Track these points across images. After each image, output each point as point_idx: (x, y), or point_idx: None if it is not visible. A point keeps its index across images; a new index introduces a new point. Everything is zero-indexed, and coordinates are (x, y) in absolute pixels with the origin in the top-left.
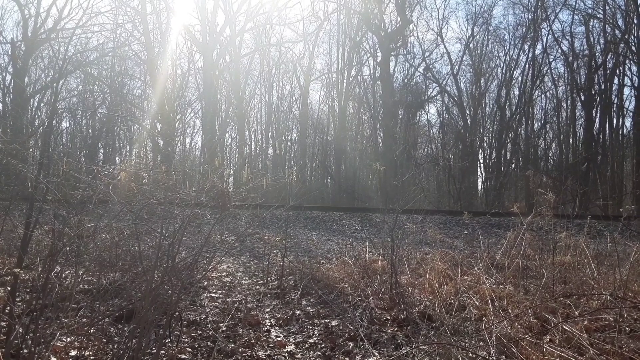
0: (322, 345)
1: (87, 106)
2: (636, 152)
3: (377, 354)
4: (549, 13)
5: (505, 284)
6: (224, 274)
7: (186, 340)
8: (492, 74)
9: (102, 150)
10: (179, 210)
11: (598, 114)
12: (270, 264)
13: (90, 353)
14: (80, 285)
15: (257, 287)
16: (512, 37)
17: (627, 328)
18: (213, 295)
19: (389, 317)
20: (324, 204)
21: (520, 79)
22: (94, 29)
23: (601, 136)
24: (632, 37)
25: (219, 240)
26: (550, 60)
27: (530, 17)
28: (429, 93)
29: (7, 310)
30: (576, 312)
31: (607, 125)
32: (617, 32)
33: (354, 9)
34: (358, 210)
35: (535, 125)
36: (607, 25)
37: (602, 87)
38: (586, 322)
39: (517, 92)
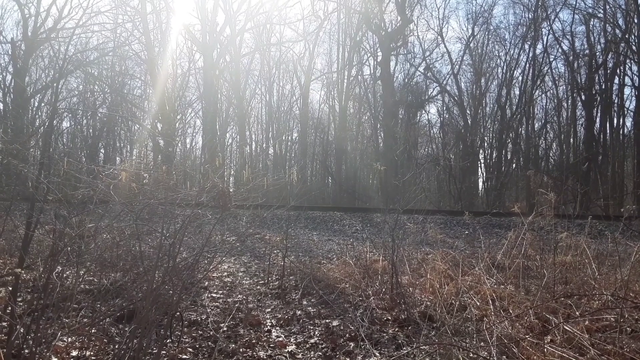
0: (323, 346)
1: (88, 106)
2: (637, 152)
3: (378, 354)
4: (549, 12)
5: (506, 284)
6: (225, 274)
7: (187, 340)
8: (492, 73)
9: (102, 150)
10: (179, 210)
11: (599, 114)
12: (271, 264)
13: (92, 353)
14: (82, 286)
15: (258, 287)
16: (512, 37)
17: (628, 328)
18: (214, 295)
19: (389, 317)
20: (324, 204)
21: (520, 78)
22: (94, 29)
23: (602, 136)
24: (633, 37)
25: (220, 240)
26: (551, 59)
27: (530, 16)
28: (429, 93)
29: (8, 310)
30: (577, 313)
31: (607, 125)
32: (617, 31)
33: (354, 8)
34: (359, 210)
35: (536, 125)
36: (607, 25)
37: (603, 87)
38: (587, 322)
39: (517, 92)
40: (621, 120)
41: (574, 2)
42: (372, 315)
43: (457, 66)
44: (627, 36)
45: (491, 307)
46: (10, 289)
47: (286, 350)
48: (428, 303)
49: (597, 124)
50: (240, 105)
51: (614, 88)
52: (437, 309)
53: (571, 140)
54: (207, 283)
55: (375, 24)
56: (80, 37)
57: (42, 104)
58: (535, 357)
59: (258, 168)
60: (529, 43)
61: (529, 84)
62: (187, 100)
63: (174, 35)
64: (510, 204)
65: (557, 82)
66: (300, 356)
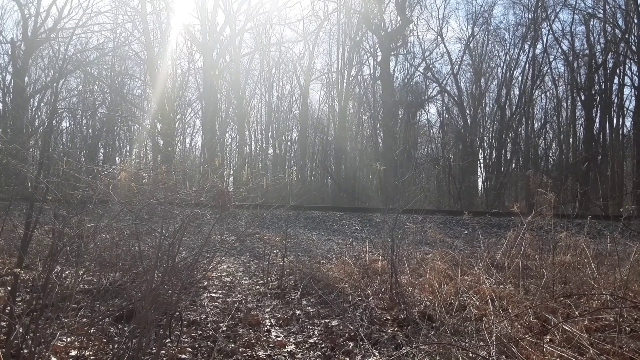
0: (323, 345)
1: (87, 106)
2: (636, 152)
3: (377, 353)
4: (549, 12)
5: (506, 283)
6: (224, 273)
7: (186, 340)
8: (492, 73)
9: (102, 150)
10: (179, 210)
11: (598, 114)
12: (270, 264)
13: (91, 353)
14: (81, 285)
15: (257, 287)
16: (512, 37)
17: (627, 328)
18: (213, 295)
19: (389, 317)
20: (324, 203)
21: (520, 78)
22: (94, 29)
23: (601, 136)
24: (633, 37)
25: (219, 240)
26: (551, 59)
27: (530, 16)
28: (429, 93)
29: (7, 310)
30: (576, 312)
31: (607, 125)
32: (617, 31)
33: (354, 8)
34: (358, 210)
35: (536, 125)
36: (607, 25)
37: (602, 87)
38: (586, 322)
39: (517, 92)
40: (621, 120)
41: (574, 2)
42: (372, 315)
43: (457, 66)
44: (626, 36)
45: (490, 306)
46: (10, 288)
47: (285, 350)
48: (427, 303)
49: (597, 124)
50: (239, 105)
51: (613, 88)
52: (436, 308)
53: (571, 140)
54: (206, 283)
55: (375, 24)
56: (80, 37)
57: (42, 104)
58: (534, 357)
59: (257, 168)
60: (529, 43)
61: (529, 84)
62: (187, 100)
63: (173, 36)
64: (510, 204)
65: (556, 82)
66: (299, 356)
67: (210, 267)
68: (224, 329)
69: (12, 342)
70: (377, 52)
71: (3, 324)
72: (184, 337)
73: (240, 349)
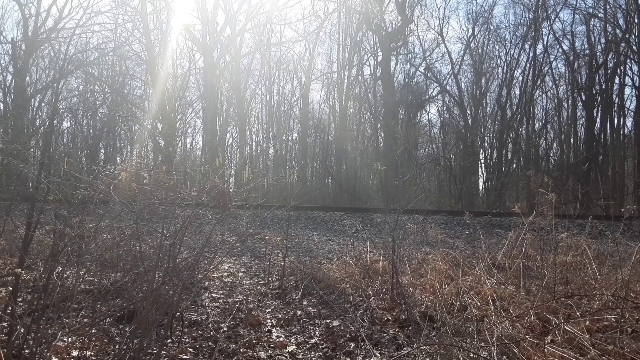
0: (324, 346)
1: (88, 106)
2: (637, 152)
3: (378, 354)
4: (549, 12)
5: (507, 284)
6: (225, 274)
7: (187, 340)
8: (492, 73)
9: (103, 150)
10: (180, 211)
11: (599, 114)
12: (271, 264)
13: (92, 353)
14: (82, 286)
15: (258, 287)
16: (512, 37)
17: (628, 328)
18: (214, 295)
19: (390, 318)
20: (325, 204)
21: (521, 78)
22: (94, 29)
23: (602, 136)
24: (633, 37)
25: (220, 241)
26: (551, 59)
27: (530, 16)
28: (429, 93)
29: (8, 311)
30: (578, 313)
31: (608, 125)
32: (617, 31)
33: (355, 8)
34: (359, 211)
35: (536, 125)
36: (607, 25)
37: (603, 87)
38: (588, 322)
39: (517, 92)
40: (621, 120)
41: (575, 2)
42: (373, 315)
43: (458, 66)
44: (627, 36)
45: (492, 307)
46: (11, 289)
47: (286, 350)
48: (428, 303)
49: (598, 124)
50: (240, 106)
51: (614, 88)
52: (437, 309)
53: (571, 140)
54: (207, 283)
55: (375, 24)
56: (81, 37)
57: (43, 104)
58: (535, 358)
59: (258, 168)
60: (530, 43)
61: (530, 84)
62: (188, 100)
63: (174, 35)
64: (511, 204)
65: (557, 82)
66: (300, 356)
67: (211, 267)
68: (225, 329)
69: (13, 342)
70: (378, 52)
71: (4, 324)
72: (185, 337)
73: (241, 350)
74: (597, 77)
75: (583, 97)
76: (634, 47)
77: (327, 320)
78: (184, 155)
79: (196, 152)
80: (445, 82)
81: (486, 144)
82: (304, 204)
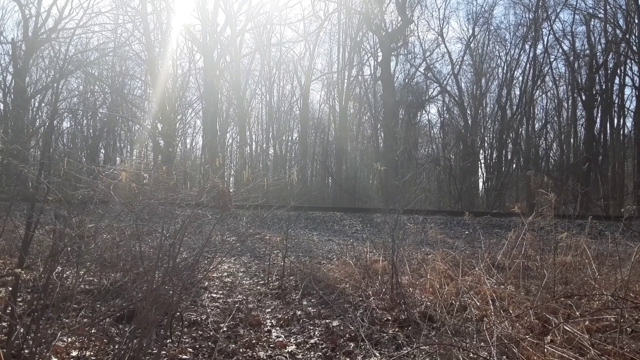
0: (323, 346)
1: (88, 106)
2: (637, 152)
3: (378, 354)
4: (549, 13)
5: (506, 284)
6: (225, 274)
7: (187, 340)
8: (492, 73)
9: (103, 151)
10: (179, 211)
11: (599, 114)
12: (271, 264)
13: (92, 353)
14: (81, 286)
15: (258, 287)
16: (512, 37)
17: (628, 328)
18: (214, 295)
19: (389, 318)
20: (324, 204)
21: (521, 78)
22: (94, 29)
23: (602, 136)
24: (633, 37)
25: (220, 241)
26: (551, 60)
27: (531, 16)
28: (429, 93)
29: (8, 311)
30: (577, 313)
31: (608, 125)
32: (618, 31)
33: (355, 8)
34: (359, 211)
35: (536, 125)
36: (608, 25)
37: (603, 87)
38: (587, 322)
39: (518, 92)
40: (621, 120)
41: (575, 3)
42: (372, 315)
43: (458, 66)
44: (627, 36)
45: (491, 307)
46: (10, 289)
47: (286, 350)
48: (428, 303)
49: (598, 124)
50: (240, 106)
51: (614, 88)
52: (437, 309)
53: (571, 140)
54: (207, 283)
55: (375, 24)
56: (81, 38)
57: (43, 104)
58: (535, 358)
59: (258, 168)
60: (530, 43)
61: (530, 84)
62: (188, 101)
63: (174, 36)
64: (511, 204)
65: (557, 82)
66: (300, 356)
67: (211, 267)
68: (225, 329)
69: (13, 342)
70: (378, 52)
71: (4, 324)
72: (184, 337)
73: (241, 350)
74: (597, 78)
75: (583, 98)
76: (634, 48)
77: (327, 320)
78: (184, 155)
79: (196, 152)
80: (445, 83)
81: (486, 144)
82: (303, 204)
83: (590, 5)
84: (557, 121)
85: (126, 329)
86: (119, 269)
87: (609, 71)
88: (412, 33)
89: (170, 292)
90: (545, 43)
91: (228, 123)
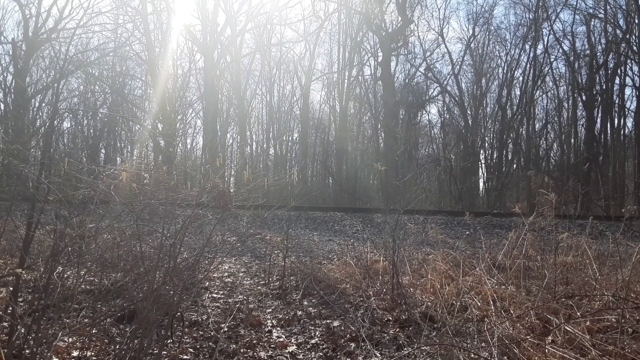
0: (324, 346)
1: (89, 106)
2: (638, 153)
3: (378, 354)
4: (550, 13)
5: (507, 284)
6: (226, 274)
7: (188, 340)
8: (493, 74)
9: (103, 151)
10: (180, 211)
11: (599, 114)
12: (271, 265)
13: (92, 353)
14: (82, 286)
15: (259, 287)
16: (513, 37)
17: (629, 329)
18: (215, 295)
19: (390, 318)
20: (325, 204)
21: (521, 79)
22: (94, 29)
23: (603, 136)
24: (634, 37)
25: (221, 241)
26: (552, 60)
27: (531, 16)
28: (430, 93)
29: (9, 311)
30: (578, 313)
31: (608, 125)
32: (618, 32)
33: (355, 8)
34: (359, 211)
35: (537, 126)
36: (608, 25)
37: (604, 87)
38: (588, 323)
39: (518, 92)
40: (622, 120)
41: (575, 3)
42: (373, 315)
43: (458, 66)
44: (627, 36)
45: (492, 307)
46: (11, 289)
47: (287, 350)
48: (429, 303)
49: (598, 125)
50: (240, 106)
51: (614, 88)
52: (438, 309)
53: (572, 140)
54: (207, 283)
55: (375, 24)
56: (81, 38)
57: (43, 105)
58: (536, 358)
59: (259, 168)
60: (530, 43)
61: (530, 85)
62: (188, 101)
63: (174, 36)
64: (511, 205)
65: (557, 82)
66: (301, 357)
67: (212, 267)
68: (226, 329)
69: (14, 342)
70: (378, 53)
71: (5, 324)
72: (185, 337)
73: (242, 350)
74: (597, 78)
75: (583, 98)
76: (635, 48)
77: (328, 321)
78: (185, 155)
79: (196, 152)
80: (445, 83)
81: (486, 145)
82: (304, 204)
83: (591, 6)
84: (558, 121)
85: (127, 329)
86: (119, 269)
87: (610, 71)
88: (412, 33)
89: (171, 292)
90: (545, 43)
91: (228, 123)
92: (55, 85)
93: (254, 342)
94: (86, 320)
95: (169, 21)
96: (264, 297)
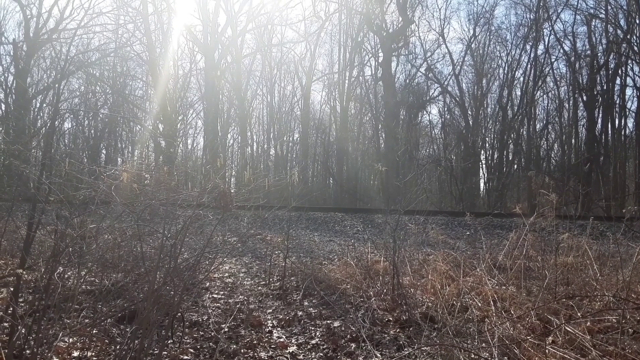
0: (324, 347)
1: (89, 107)
2: (639, 153)
3: (379, 355)
4: (550, 13)
5: (508, 285)
6: (226, 274)
7: (188, 341)
8: (493, 74)
9: (104, 151)
10: (181, 211)
11: (600, 115)
12: (272, 265)
13: (93, 354)
14: (83, 286)
15: (259, 288)
16: (514, 37)
17: (630, 329)
18: (215, 296)
19: (391, 318)
20: (326, 204)
21: (522, 79)
22: (95, 30)
23: (603, 137)
24: (635, 37)
25: (221, 241)
26: (552, 60)
27: (532, 17)
28: (430, 93)
29: (10, 311)
30: (579, 314)
31: (609, 125)
32: (619, 32)
33: (356, 9)
34: (360, 211)
35: (538, 126)
36: (609, 26)
37: (604, 88)
38: (589, 323)
39: (519, 93)
40: (623, 121)
41: (576, 3)
42: (374, 316)
43: (459, 67)
44: (628, 37)
45: (492, 308)
46: (12, 289)
47: (287, 351)
48: (429, 304)
49: (599, 125)
50: (241, 106)
51: (615, 89)
52: (438, 309)
53: (573, 141)
54: (208, 284)
55: (376, 24)
56: (82, 38)
57: (44, 105)
58: (536, 358)
59: (259, 169)
60: (531, 44)
61: (531, 85)
62: (189, 101)
63: (175, 36)
64: (512, 205)
65: (558, 82)
66: (301, 357)
67: (212, 268)
68: (226, 329)
69: (14, 342)
70: (379, 53)
71: (6, 324)
72: (186, 338)
73: (242, 350)
74: (598, 78)
75: (584, 98)
76: (635, 48)
77: (328, 321)
78: (185, 156)
79: (197, 152)
80: (446, 83)
81: (487, 145)
82: (305, 205)
83: (591, 6)
84: (559, 122)
85: (127, 329)
86: (120, 270)
87: (610, 72)
88: (413, 33)
89: (172, 292)
90: (546, 43)
91: (229, 123)
92: (56, 85)
93: (255, 342)
94: (87, 320)
95: (170, 22)
96: (265, 298)
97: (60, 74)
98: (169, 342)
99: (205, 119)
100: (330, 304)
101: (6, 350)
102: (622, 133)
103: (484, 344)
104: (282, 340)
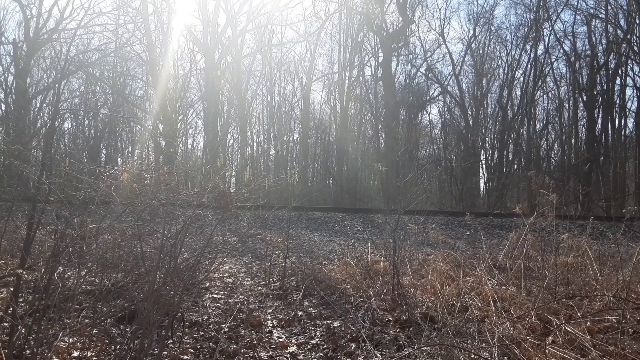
0: (324, 347)
1: (89, 107)
2: (638, 153)
3: (379, 355)
4: (550, 13)
5: (508, 285)
6: (226, 274)
7: (188, 341)
8: (494, 74)
9: (104, 151)
10: (181, 211)
11: (600, 115)
12: (272, 265)
13: (93, 354)
14: (83, 286)
15: (259, 288)
16: (514, 37)
17: (630, 329)
18: (215, 296)
19: (391, 318)
20: (326, 204)
21: (522, 79)
22: (95, 30)
23: (603, 137)
24: (635, 37)
25: (221, 241)
26: (552, 60)
27: (532, 17)
28: (430, 93)
29: (10, 311)
30: (579, 314)
31: (609, 125)
32: (619, 32)
33: (356, 9)
34: (360, 211)
35: (538, 126)
36: (609, 26)
37: (604, 88)
38: (589, 323)
39: (519, 93)
40: (623, 121)
41: (576, 3)
42: (374, 316)
43: (459, 67)
44: (628, 37)
45: (492, 308)
46: (12, 289)
47: (287, 351)
48: (429, 304)
49: (599, 125)
50: (241, 106)
51: (615, 89)
52: (438, 309)
53: (573, 141)
54: (208, 284)
55: (376, 24)
56: (82, 38)
57: (44, 105)
58: (536, 358)
59: (259, 169)
60: (531, 44)
61: (531, 85)
62: (189, 101)
63: (175, 36)
64: (512, 205)
65: (558, 82)
66: (301, 357)
67: (212, 268)
68: (226, 330)
69: (14, 342)
70: (379, 53)
71: (6, 324)
72: (186, 338)
73: (242, 350)
74: (598, 78)
75: (584, 98)
76: (635, 48)
77: (328, 321)
78: (185, 156)
79: (197, 152)
80: (446, 83)
81: (487, 145)
82: (305, 205)
83: (591, 6)
84: (559, 122)
85: (127, 329)
86: (120, 270)
87: (610, 72)
88: (413, 33)
89: (172, 292)
90: (546, 43)
91: (229, 123)
92: (56, 85)
93: (255, 342)
94: (87, 320)
95: (170, 22)
96: (265, 298)
97: (60, 74)
98: (169, 342)
99: (205, 119)
100: (330, 304)
101: (6, 350)
102: (622, 133)
103: (484, 344)
104: (282, 340)
